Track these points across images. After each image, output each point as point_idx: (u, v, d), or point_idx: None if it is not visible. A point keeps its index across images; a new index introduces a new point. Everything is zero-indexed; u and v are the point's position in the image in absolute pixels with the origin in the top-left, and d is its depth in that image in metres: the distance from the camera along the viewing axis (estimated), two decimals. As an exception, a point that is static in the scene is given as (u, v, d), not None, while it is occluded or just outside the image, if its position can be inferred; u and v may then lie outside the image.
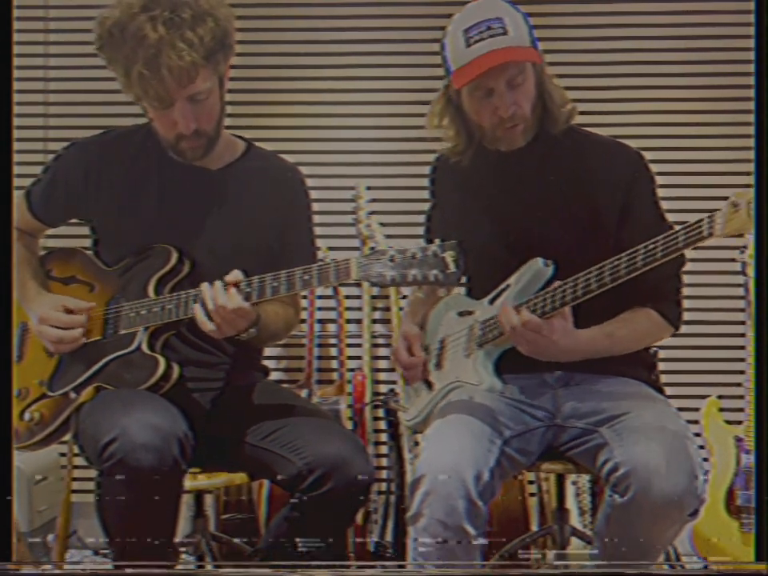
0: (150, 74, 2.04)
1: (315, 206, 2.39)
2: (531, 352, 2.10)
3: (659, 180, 2.26)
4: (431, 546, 2.00)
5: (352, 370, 3.47)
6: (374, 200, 3.41)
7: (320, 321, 3.53)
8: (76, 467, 2.29)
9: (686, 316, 2.25)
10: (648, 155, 2.27)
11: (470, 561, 2.00)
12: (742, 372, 2.99)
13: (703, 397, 3.07)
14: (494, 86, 2.13)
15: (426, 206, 2.41)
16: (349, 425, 3.31)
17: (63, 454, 2.63)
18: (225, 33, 2.11)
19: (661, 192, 2.25)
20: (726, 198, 2.42)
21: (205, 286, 2.04)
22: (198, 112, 2.14)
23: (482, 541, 2.01)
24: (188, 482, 2.11)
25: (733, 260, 2.99)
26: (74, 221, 2.37)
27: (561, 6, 3.57)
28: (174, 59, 2.03)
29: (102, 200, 2.27)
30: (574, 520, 3.01)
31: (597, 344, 2.16)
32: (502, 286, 2.21)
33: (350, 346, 3.51)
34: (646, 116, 3.55)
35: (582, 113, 2.31)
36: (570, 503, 3.05)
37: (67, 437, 2.23)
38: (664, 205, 2.24)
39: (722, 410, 3.04)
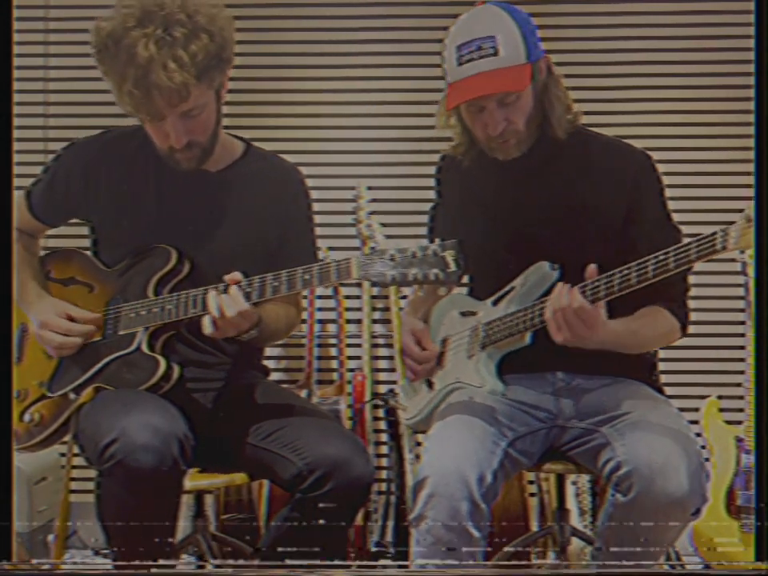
0: (139, 94, 2.03)
1: (315, 206, 2.38)
2: (568, 338, 2.03)
3: (665, 180, 2.25)
4: (434, 548, 2.00)
5: (352, 370, 3.47)
6: (374, 200, 3.41)
7: (320, 321, 3.53)
8: (75, 467, 2.29)
9: (687, 316, 2.25)
10: (652, 156, 2.27)
11: (473, 562, 2.00)
12: (741, 372, 2.98)
13: (703, 397, 3.07)
14: (484, 104, 2.12)
15: (426, 206, 2.41)
16: (349, 425, 3.31)
17: (63, 455, 2.63)
18: (221, 47, 2.08)
19: (667, 192, 2.25)
20: (727, 198, 2.42)
21: (210, 295, 2.04)
22: (191, 126, 2.12)
23: (484, 542, 2.01)
24: (188, 482, 2.11)
25: (733, 260, 2.99)
26: (73, 221, 2.37)
27: (565, 6, 3.57)
28: (164, 80, 2.01)
29: (101, 200, 2.26)
30: (575, 520, 3.01)
31: (622, 339, 2.13)
32: (507, 288, 2.21)
33: (349, 346, 3.51)
34: (647, 116, 3.55)
35: (586, 113, 2.30)
36: (571, 503, 3.05)
37: (67, 437, 2.23)
38: (671, 205, 2.24)
39: (721, 410, 3.04)
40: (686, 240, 1.93)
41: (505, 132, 2.14)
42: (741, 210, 1.82)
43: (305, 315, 3.44)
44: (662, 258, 1.93)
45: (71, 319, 2.21)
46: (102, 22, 2.07)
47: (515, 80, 2.11)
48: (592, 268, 2.04)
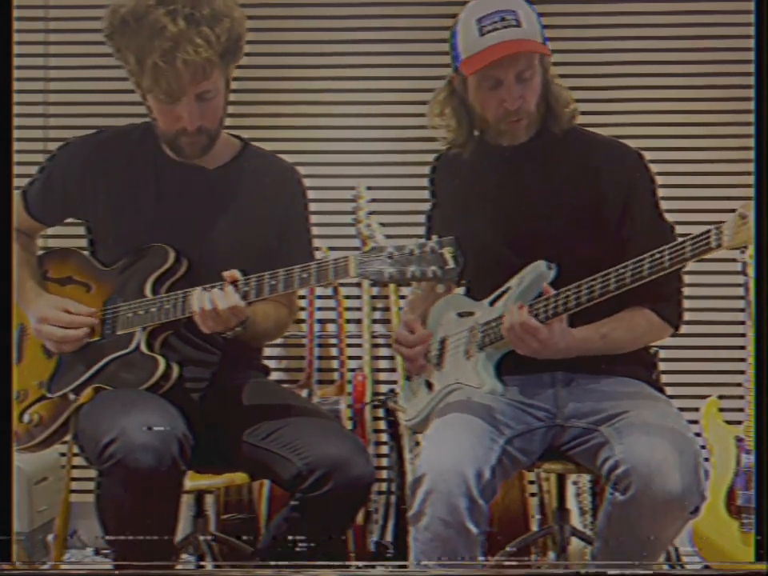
0: (165, 66, 2.05)
1: (315, 206, 2.38)
2: (527, 352, 2.10)
3: (660, 180, 2.26)
4: (433, 545, 2.00)
5: (352, 370, 3.46)
6: (374, 200, 3.41)
7: (320, 321, 3.53)
8: (75, 467, 2.29)
9: (686, 316, 2.25)
10: (648, 155, 2.27)
11: (472, 559, 2.00)
12: (742, 372, 2.98)
13: (703, 397, 3.07)
14: (503, 77, 2.13)
15: (426, 206, 2.41)
16: (349, 425, 3.30)
17: (63, 454, 2.63)
18: (239, 34, 2.13)
19: (661, 192, 2.25)
20: (726, 198, 2.42)
21: (198, 292, 2.04)
22: (204, 110, 2.14)
23: (482, 539, 2.01)
24: (188, 482, 2.11)
25: (733, 260, 2.99)
26: (70, 220, 2.37)
27: (561, 6, 3.56)
28: (192, 54, 2.04)
29: (97, 199, 2.27)
30: (575, 520, 3.01)
31: (591, 344, 2.16)
32: (503, 288, 2.21)
33: (350, 346, 3.51)
34: (645, 116, 3.54)
35: (585, 113, 2.31)
36: (571, 503, 3.04)
37: (67, 437, 2.23)
38: (665, 205, 2.24)
39: (722, 410, 3.03)
40: (679, 239, 1.93)
41: (520, 110, 2.16)
42: (740, 211, 1.82)
43: (305, 315, 3.44)
44: (657, 255, 1.94)
45: (69, 313, 2.22)
46: (120, 3, 2.10)
47: (542, 48, 2.16)
48: (547, 287, 2.09)
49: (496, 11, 2.13)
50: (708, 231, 1.85)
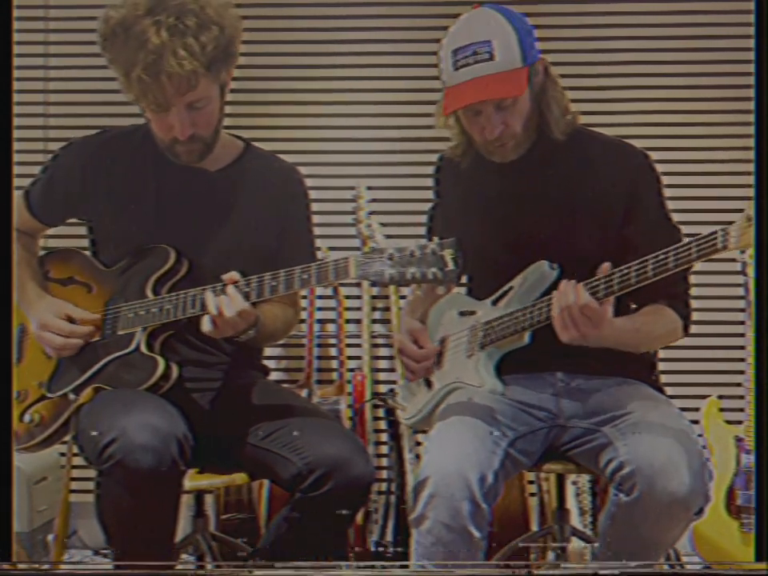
0: (149, 79, 2.04)
1: (315, 206, 2.38)
2: (572, 337, 2.01)
3: (664, 180, 2.25)
4: (435, 549, 1.99)
5: (352, 370, 3.47)
6: (374, 200, 3.41)
7: (320, 321, 3.53)
8: (75, 467, 2.29)
9: (687, 316, 2.25)
10: (650, 155, 2.27)
11: (473, 562, 2.00)
12: (742, 372, 2.98)
13: (703, 397, 3.07)
14: (481, 108, 2.11)
15: (426, 206, 2.41)
16: (349, 425, 3.31)
17: (63, 454, 2.63)
18: (229, 42, 2.11)
19: (666, 192, 2.25)
20: (727, 198, 2.40)
21: (208, 294, 2.04)
22: (196, 118, 2.13)
23: (484, 542, 2.01)
24: (188, 482, 2.11)
25: (733, 260, 2.99)
26: (72, 221, 2.37)
27: (563, 6, 3.57)
28: (175, 67, 2.02)
29: (99, 200, 2.27)
30: (575, 520, 3.01)
31: (626, 335, 2.11)
32: (506, 288, 2.21)
33: (349, 346, 3.51)
34: (647, 116, 3.55)
35: (586, 113, 2.30)
36: (571, 503, 3.04)
37: (67, 437, 2.23)
38: (669, 205, 2.24)
39: (722, 410, 3.04)
40: (685, 239, 1.93)
41: (502, 135, 2.14)
42: (741, 210, 1.82)
43: (305, 315, 3.44)
44: (661, 257, 1.93)
45: (70, 320, 2.21)
46: (111, 11, 2.08)
47: (511, 85, 2.10)
48: (606, 266, 2.02)
49: (469, 44, 2.09)
50: (714, 233, 1.85)
